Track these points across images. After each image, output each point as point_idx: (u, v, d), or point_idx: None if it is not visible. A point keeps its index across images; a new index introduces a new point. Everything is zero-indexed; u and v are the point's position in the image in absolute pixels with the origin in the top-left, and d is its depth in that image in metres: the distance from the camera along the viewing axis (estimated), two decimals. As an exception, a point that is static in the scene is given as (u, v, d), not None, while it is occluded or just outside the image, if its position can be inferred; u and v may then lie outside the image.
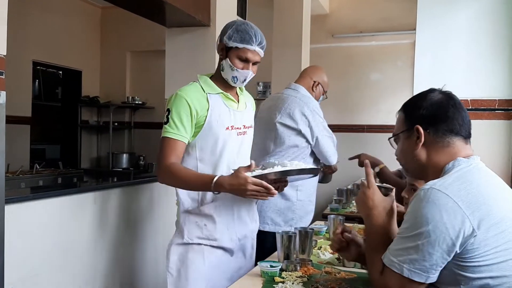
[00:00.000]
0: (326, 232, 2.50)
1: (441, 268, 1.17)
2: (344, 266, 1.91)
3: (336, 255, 2.04)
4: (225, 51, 1.87)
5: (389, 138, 1.45)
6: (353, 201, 3.66)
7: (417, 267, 1.17)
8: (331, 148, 2.76)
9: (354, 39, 5.87)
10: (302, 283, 1.68)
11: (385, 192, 1.45)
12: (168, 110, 1.83)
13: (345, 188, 3.59)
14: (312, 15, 5.15)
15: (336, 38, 5.94)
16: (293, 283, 1.67)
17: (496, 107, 2.55)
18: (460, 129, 1.31)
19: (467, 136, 1.33)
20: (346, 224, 2.60)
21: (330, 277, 1.76)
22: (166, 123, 1.82)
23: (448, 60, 2.69)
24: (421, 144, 1.32)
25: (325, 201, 3.90)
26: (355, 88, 5.85)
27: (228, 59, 1.87)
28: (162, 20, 3.09)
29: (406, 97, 3.52)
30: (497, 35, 2.61)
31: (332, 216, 2.43)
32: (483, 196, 1.18)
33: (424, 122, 1.32)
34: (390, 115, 5.69)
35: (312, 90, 2.85)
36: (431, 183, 1.21)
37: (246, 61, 1.87)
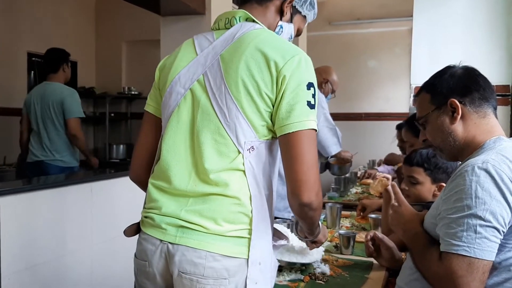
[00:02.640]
0: (324, 220, 2.50)
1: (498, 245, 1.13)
2: (341, 253, 1.92)
3: (334, 242, 2.05)
4: (291, 13, 1.33)
5: (416, 122, 1.40)
6: (351, 189, 3.66)
7: (486, 244, 1.11)
8: (329, 139, 2.92)
9: (351, 26, 5.83)
10: (299, 271, 1.68)
11: (419, 209, 1.46)
12: (313, 87, 1.13)
13: (343, 176, 3.58)
14: (309, 3, 5.10)
15: (333, 26, 5.90)
16: (290, 271, 1.67)
17: (494, 93, 2.54)
18: (491, 97, 1.29)
19: (496, 108, 1.30)
20: (344, 212, 2.61)
21: (327, 264, 1.76)
22: (313, 106, 1.12)
23: (445, 47, 2.67)
24: (459, 117, 1.27)
25: (323, 190, 3.90)
26: (352, 75, 5.81)
27: (293, 24, 1.34)
28: (157, 8, 3.06)
29: (404, 84, 3.54)
30: (494, 21, 2.60)
31: (329, 204, 2.44)
32: None
33: (458, 95, 1.27)
34: (388, 103, 5.69)
35: (321, 86, 3.09)
36: (482, 159, 1.16)
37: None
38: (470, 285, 1.10)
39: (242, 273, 1.12)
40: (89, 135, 6.84)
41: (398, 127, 3.31)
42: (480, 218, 1.11)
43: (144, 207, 1.27)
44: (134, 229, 1.29)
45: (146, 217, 1.23)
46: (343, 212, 2.63)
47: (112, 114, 6.42)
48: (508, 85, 2.54)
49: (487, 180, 1.12)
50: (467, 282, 1.11)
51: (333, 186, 3.47)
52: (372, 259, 1.79)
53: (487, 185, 1.12)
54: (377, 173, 2.06)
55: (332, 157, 3.33)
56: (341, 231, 2.01)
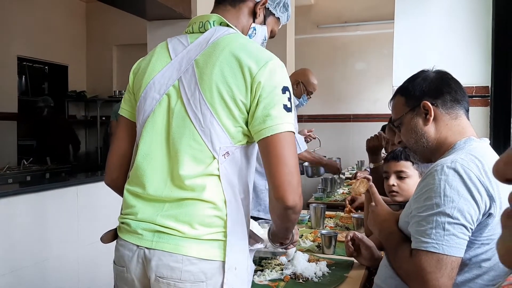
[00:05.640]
0: (308, 221, 2.53)
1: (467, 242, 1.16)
2: (323, 253, 1.95)
3: (316, 242, 2.08)
4: (264, 15, 1.33)
5: (391, 124, 1.44)
6: (337, 190, 3.70)
7: (454, 241, 1.14)
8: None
9: (339, 29, 5.87)
10: (280, 271, 1.71)
11: (396, 208, 1.49)
12: (288, 90, 1.14)
13: (330, 177, 3.62)
14: (297, 6, 5.13)
15: (321, 29, 5.94)
16: (271, 271, 1.69)
17: (474, 94, 2.58)
18: (463, 99, 1.33)
19: (468, 110, 1.35)
20: (328, 212, 2.65)
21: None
22: (289, 109, 1.12)
23: (426, 48, 2.70)
24: (431, 119, 1.30)
25: (310, 190, 3.94)
26: (340, 78, 5.86)
27: (266, 26, 1.34)
28: (143, 13, 3.08)
29: (391, 85, 3.61)
30: (475, 22, 2.63)
31: (313, 205, 2.47)
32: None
33: (430, 97, 1.31)
34: (375, 104, 5.73)
35: (293, 87, 3.04)
36: (451, 158, 1.20)
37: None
38: (439, 281, 1.13)
39: (219, 276, 1.13)
40: (81, 139, 6.83)
41: (383, 128, 3.36)
42: (448, 215, 1.14)
43: (120, 213, 1.26)
44: (111, 236, 1.29)
45: (122, 223, 1.23)
46: (328, 212, 2.66)
47: (103, 118, 6.42)
48: (488, 86, 2.58)
49: (456, 179, 1.16)
50: (436, 278, 1.14)
51: (319, 187, 3.50)
52: (353, 259, 1.82)
53: (455, 183, 1.15)
54: (358, 174, 2.09)
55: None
56: (323, 231, 2.04)
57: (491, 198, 1.15)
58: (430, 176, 1.21)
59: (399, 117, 1.38)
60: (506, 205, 1.16)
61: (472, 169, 1.16)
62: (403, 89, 1.40)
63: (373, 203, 1.48)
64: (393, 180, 1.95)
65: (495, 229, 1.17)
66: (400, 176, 1.94)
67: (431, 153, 1.36)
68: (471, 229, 1.16)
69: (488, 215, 1.16)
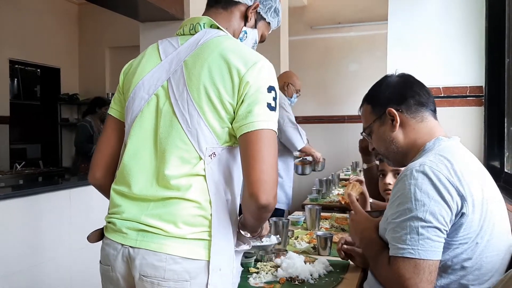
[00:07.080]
0: (303, 222, 2.53)
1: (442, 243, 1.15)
2: (319, 255, 1.94)
3: (312, 244, 2.07)
4: (255, 20, 1.35)
5: (361, 133, 1.45)
6: (333, 191, 3.70)
7: (429, 244, 1.13)
8: (295, 136, 3.35)
9: (332, 30, 5.89)
10: (276, 273, 1.69)
11: (376, 215, 1.47)
12: (274, 90, 1.15)
13: (325, 178, 3.62)
14: (290, 7, 5.14)
15: (314, 30, 5.95)
16: (267, 273, 1.68)
17: (468, 94, 2.59)
18: (428, 101, 1.34)
19: (434, 110, 1.35)
20: (323, 214, 2.64)
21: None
22: (273, 108, 1.13)
23: (420, 49, 2.71)
24: (398, 125, 1.32)
25: (305, 192, 3.93)
26: (334, 79, 5.87)
27: (257, 30, 1.36)
28: (135, 14, 3.07)
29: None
30: (468, 22, 2.64)
31: (309, 206, 2.46)
32: (468, 176, 1.17)
33: (394, 103, 1.33)
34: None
35: (284, 89, 3.55)
36: (420, 161, 1.20)
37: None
38: (418, 286, 1.13)
39: (203, 276, 1.12)
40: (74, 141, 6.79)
41: None
42: (421, 219, 1.13)
43: (107, 213, 1.26)
44: (98, 235, 1.29)
45: (108, 222, 1.23)
46: (323, 214, 2.66)
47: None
48: (482, 86, 2.59)
49: (425, 182, 1.15)
50: (415, 283, 1.13)
51: (314, 188, 3.50)
52: (348, 260, 1.81)
53: (425, 186, 1.15)
54: (351, 176, 2.08)
55: (300, 155, 3.60)
56: (319, 232, 2.03)
57: (462, 197, 1.14)
58: (401, 182, 1.21)
59: (368, 125, 1.40)
60: (478, 203, 1.16)
61: (441, 170, 1.16)
62: (369, 96, 1.42)
63: (352, 212, 1.48)
64: (390, 179, 1.95)
65: (470, 227, 1.16)
66: (397, 175, 1.94)
67: (402, 157, 1.37)
68: (446, 231, 1.15)
69: (461, 215, 1.15)
